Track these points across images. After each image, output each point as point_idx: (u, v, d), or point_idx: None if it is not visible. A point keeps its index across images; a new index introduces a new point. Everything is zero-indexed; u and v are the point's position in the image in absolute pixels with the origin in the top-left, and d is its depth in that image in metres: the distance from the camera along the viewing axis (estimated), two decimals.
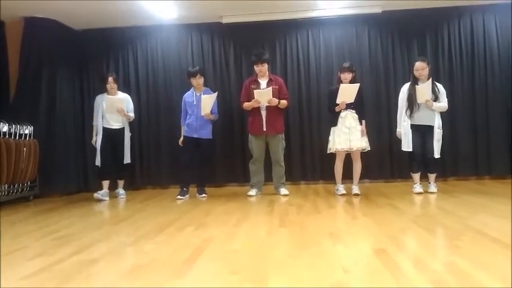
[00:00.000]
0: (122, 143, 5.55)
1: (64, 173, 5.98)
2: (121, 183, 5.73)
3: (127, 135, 5.62)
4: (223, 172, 6.39)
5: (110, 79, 5.49)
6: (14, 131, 5.34)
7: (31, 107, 5.74)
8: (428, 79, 4.82)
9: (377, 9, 6.09)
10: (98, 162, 5.50)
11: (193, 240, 2.95)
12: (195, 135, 5.20)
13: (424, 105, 4.79)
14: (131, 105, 5.69)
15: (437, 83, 4.99)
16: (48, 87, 5.89)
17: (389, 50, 6.32)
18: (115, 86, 5.53)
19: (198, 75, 5.24)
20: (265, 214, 4.04)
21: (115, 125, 5.53)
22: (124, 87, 6.52)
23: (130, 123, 5.74)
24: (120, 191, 5.69)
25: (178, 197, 5.13)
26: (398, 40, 6.30)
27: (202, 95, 5.17)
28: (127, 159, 5.63)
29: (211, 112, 5.23)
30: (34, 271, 2.36)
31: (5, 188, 5.19)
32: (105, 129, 5.49)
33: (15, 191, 5.36)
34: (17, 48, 5.86)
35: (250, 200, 5.01)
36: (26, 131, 5.52)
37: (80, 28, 6.45)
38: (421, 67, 4.84)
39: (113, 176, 5.63)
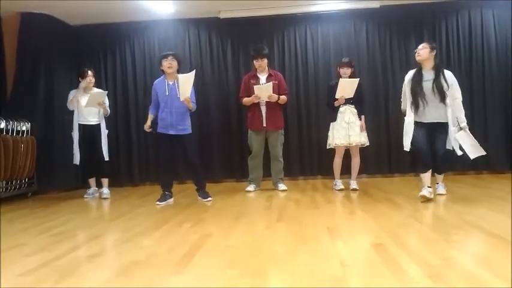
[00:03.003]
0: (99, 139, 5.30)
1: (62, 169, 5.96)
2: (105, 181, 5.42)
3: (104, 131, 5.37)
4: (221, 168, 6.39)
5: (90, 73, 5.30)
6: (12, 128, 5.32)
7: (28, 103, 5.72)
8: (434, 66, 4.06)
9: (375, 4, 6.08)
10: (76, 160, 5.29)
11: (192, 236, 2.95)
12: (172, 132, 4.48)
13: (433, 98, 4.00)
14: (107, 101, 5.39)
15: (446, 71, 4.14)
16: (45, 84, 5.87)
17: (387, 44, 6.31)
18: (93, 80, 5.33)
19: (171, 57, 4.51)
20: (264, 209, 4.05)
21: (92, 120, 5.29)
22: (122, 82, 6.54)
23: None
24: (105, 190, 5.34)
25: (158, 202, 4.52)
26: (396, 35, 6.29)
27: (178, 75, 4.42)
28: (106, 157, 5.37)
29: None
30: (32, 267, 2.35)
31: (3, 184, 5.18)
32: (82, 127, 5.27)
33: (13, 187, 5.36)
34: (14, 44, 5.82)
35: (249, 196, 5.00)
36: (24, 128, 5.51)
37: (77, 24, 6.43)
38: (420, 47, 4.11)
39: (95, 174, 5.48)
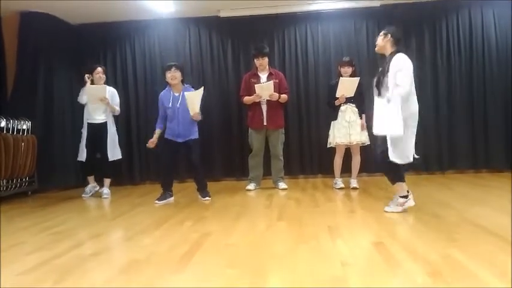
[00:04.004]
0: (104, 138, 5.18)
1: (62, 167, 5.96)
2: (107, 181, 5.31)
3: (111, 130, 5.25)
4: (221, 167, 6.40)
5: (100, 69, 5.21)
6: (12, 127, 5.32)
7: (29, 102, 5.71)
8: (391, 52, 3.46)
9: (375, 3, 6.08)
10: (81, 157, 5.23)
11: (192, 235, 2.95)
12: (180, 140, 4.54)
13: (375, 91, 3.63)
14: (117, 99, 5.35)
15: (399, 55, 3.41)
16: (45, 83, 5.87)
17: None
18: (104, 76, 5.24)
19: (174, 68, 4.53)
20: (264, 208, 4.05)
21: (98, 118, 5.18)
22: (122, 81, 6.53)
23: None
24: (105, 190, 5.25)
25: (157, 201, 4.54)
26: None
27: (184, 93, 4.47)
28: (115, 156, 5.30)
29: None
30: (32, 266, 2.36)
31: (3, 183, 5.18)
32: (89, 125, 5.19)
33: (13, 186, 5.35)
34: (13, 44, 5.81)
35: (249, 194, 5.01)
36: (24, 126, 5.50)
37: (77, 22, 6.42)
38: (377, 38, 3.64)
39: (97, 173, 5.40)
